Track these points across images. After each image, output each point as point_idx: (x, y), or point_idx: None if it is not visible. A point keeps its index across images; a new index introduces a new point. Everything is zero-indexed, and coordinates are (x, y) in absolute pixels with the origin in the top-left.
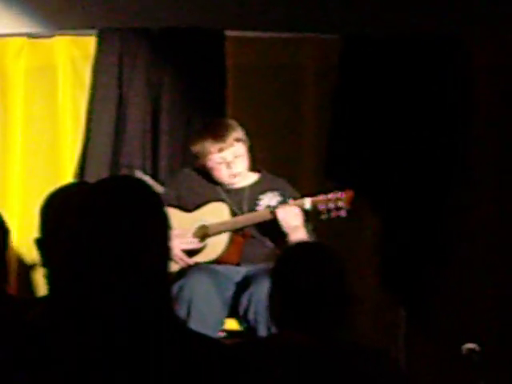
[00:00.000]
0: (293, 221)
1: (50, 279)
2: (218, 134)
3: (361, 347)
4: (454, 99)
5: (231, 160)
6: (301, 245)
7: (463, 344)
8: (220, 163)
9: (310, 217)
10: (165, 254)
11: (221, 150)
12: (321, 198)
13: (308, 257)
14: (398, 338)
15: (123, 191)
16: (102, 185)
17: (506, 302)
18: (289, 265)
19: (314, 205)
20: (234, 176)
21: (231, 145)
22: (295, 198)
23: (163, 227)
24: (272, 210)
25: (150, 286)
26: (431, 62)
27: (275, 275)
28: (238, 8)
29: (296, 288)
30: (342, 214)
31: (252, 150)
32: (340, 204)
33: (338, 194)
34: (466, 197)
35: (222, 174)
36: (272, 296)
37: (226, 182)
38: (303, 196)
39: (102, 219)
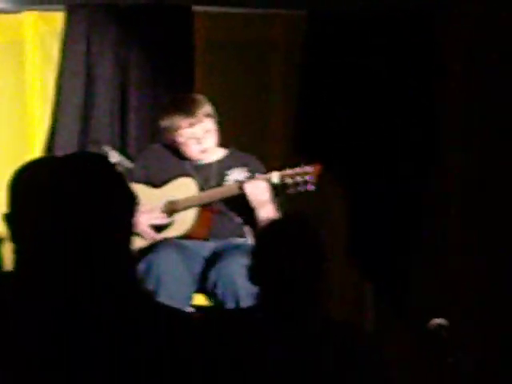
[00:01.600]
0: (261, 195)
1: (17, 254)
2: (188, 109)
3: (332, 321)
4: (422, 72)
5: (201, 135)
6: (283, 220)
7: (431, 319)
8: (190, 138)
9: (278, 191)
10: (127, 229)
11: (191, 125)
12: (288, 171)
13: (291, 231)
14: (367, 314)
15: (89, 168)
16: (69, 161)
17: (475, 277)
18: (272, 238)
19: (282, 178)
20: (204, 151)
21: (201, 120)
22: (263, 173)
23: (126, 203)
24: (239, 184)
25: (114, 261)
26: (399, 36)
27: (257, 249)
28: None
29: (278, 263)
30: (310, 187)
31: (220, 126)
32: (308, 178)
33: (306, 168)
34: (437, 168)
35: (192, 149)
36: (252, 271)
37: (196, 158)
38: (271, 170)
39: (67, 195)
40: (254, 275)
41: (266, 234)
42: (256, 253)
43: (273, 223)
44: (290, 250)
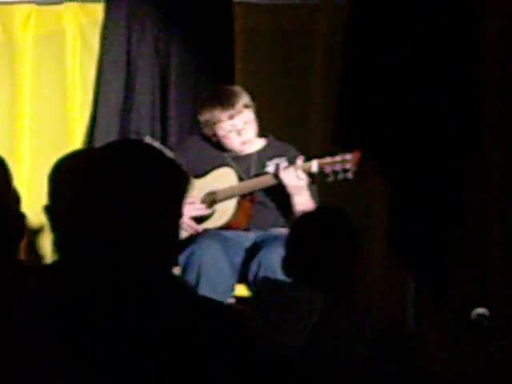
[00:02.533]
0: (296, 181)
1: (59, 245)
2: (226, 101)
3: (370, 315)
4: (463, 59)
5: (241, 127)
6: (317, 212)
7: (473, 309)
8: (230, 131)
9: (315, 179)
10: (176, 219)
11: (231, 118)
12: (327, 160)
13: (325, 223)
14: (408, 303)
15: (131, 155)
16: (109, 149)
17: None
18: (305, 231)
19: (321, 167)
20: (244, 143)
21: (240, 111)
22: (302, 162)
23: (175, 191)
24: (275, 172)
25: (160, 252)
26: (440, 16)
27: (291, 240)
28: None
29: (311, 257)
30: (349, 175)
31: (259, 116)
32: (347, 166)
33: (345, 156)
34: (479, 163)
35: (233, 141)
36: (286, 262)
37: (237, 149)
38: (310, 158)
39: (108, 183)
40: (287, 266)
41: (300, 225)
42: (289, 244)
43: (306, 214)
44: (323, 242)
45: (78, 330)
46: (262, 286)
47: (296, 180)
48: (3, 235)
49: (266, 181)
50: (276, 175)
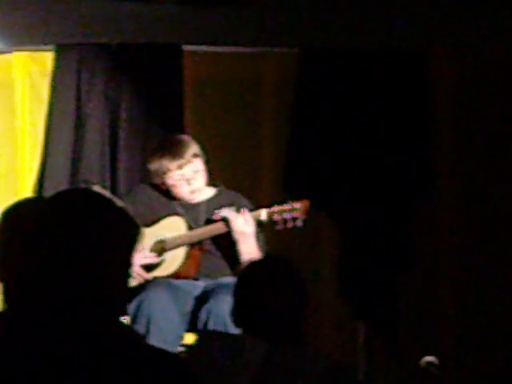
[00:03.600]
0: (245, 227)
1: (6, 296)
2: (175, 150)
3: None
4: (415, 110)
5: (191, 176)
6: (263, 260)
7: (422, 357)
8: (180, 180)
9: (264, 228)
10: (125, 268)
11: (180, 167)
12: (276, 208)
13: (271, 272)
14: (358, 351)
15: (80, 204)
16: (58, 198)
17: (465, 316)
18: (252, 280)
19: (270, 215)
20: (194, 192)
21: (189, 161)
22: (251, 210)
23: (125, 241)
24: (225, 220)
25: (109, 301)
26: (391, 74)
27: (238, 291)
28: (195, 23)
29: (259, 306)
30: (298, 224)
31: (209, 165)
32: (296, 214)
33: (294, 204)
34: (428, 207)
35: (183, 190)
36: (235, 312)
37: (186, 198)
38: (259, 207)
39: (57, 234)
40: (236, 316)
41: (246, 275)
42: (237, 294)
43: (253, 264)
44: (270, 292)
45: (24, 380)
46: (203, 337)
47: (243, 225)
48: None
49: (215, 228)
50: (225, 219)
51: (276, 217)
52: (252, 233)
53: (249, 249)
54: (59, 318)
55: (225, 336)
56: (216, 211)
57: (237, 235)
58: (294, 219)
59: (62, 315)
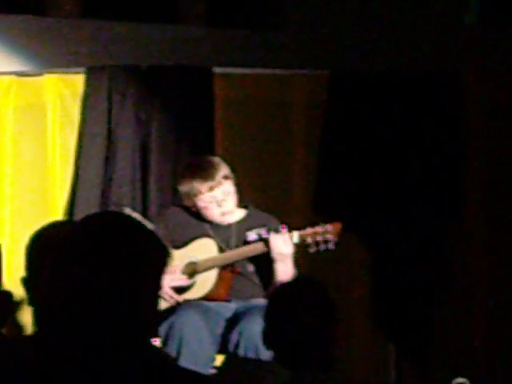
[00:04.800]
0: (284, 248)
1: (37, 318)
2: (206, 172)
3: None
4: (447, 133)
5: (221, 198)
6: (295, 283)
7: (453, 379)
8: (210, 202)
9: (296, 250)
10: (155, 292)
11: (211, 189)
12: (309, 231)
13: (302, 295)
14: (389, 373)
15: (110, 228)
16: (88, 222)
17: (495, 337)
18: (283, 303)
19: (303, 238)
20: (224, 214)
21: (220, 183)
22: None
23: (154, 264)
24: (264, 238)
25: (139, 325)
26: (423, 97)
27: (270, 313)
28: (224, 45)
29: (289, 328)
30: (330, 246)
31: (239, 186)
32: (328, 236)
33: (326, 227)
34: (459, 233)
35: (214, 212)
36: (266, 335)
37: (217, 220)
38: (291, 229)
39: (87, 257)
40: (267, 339)
41: (278, 298)
42: (268, 317)
43: (284, 286)
44: (301, 314)
45: None
46: (230, 362)
47: (283, 246)
48: None
49: (253, 249)
50: (264, 240)
51: (308, 239)
52: (290, 253)
53: (286, 269)
54: (89, 342)
55: (251, 361)
56: (247, 233)
57: (275, 255)
58: (326, 242)
59: (92, 339)
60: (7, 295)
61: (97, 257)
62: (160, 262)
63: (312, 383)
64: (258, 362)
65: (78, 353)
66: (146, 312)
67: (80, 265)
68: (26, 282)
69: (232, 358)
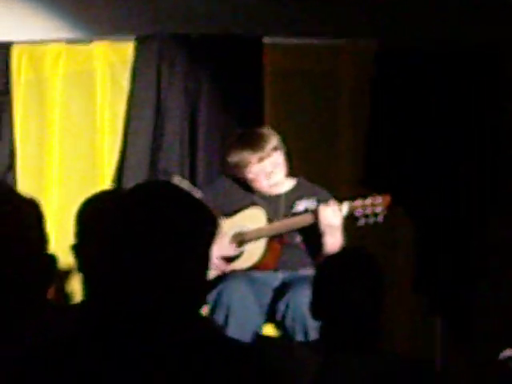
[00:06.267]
0: (333, 219)
1: (87, 285)
2: (256, 144)
3: (399, 358)
4: (487, 108)
5: (271, 170)
6: (343, 253)
7: (501, 351)
8: (259, 173)
9: (344, 222)
10: (204, 262)
11: (260, 160)
12: (358, 202)
13: (351, 266)
14: (435, 346)
15: (159, 198)
16: (138, 191)
17: None
18: (332, 273)
19: (352, 210)
20: (274, 185)
21: (270, 154)
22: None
23: (203, 234)
24: (313, 210)
25: (187, 295)
26: (468, 72)
27: (318, 283)
28: (276, 15)
29: (337, 298)
30: (380, 219)
31: (289, 156)
32: (377, 209)
33: (376, 199)
34: (505, 205)
35: (262, 183)
36: (313, 305)
37: (266, 192)
38: (340, 201)
39: (136, 227)
40: (314, 309)
41: (326, 268)
42: (315, 287)
43: (332, 257)
44: (349, 285)
45: (105, 372)
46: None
47: (332, 218)
48: (34, 280)
49: (302, 220)
50: (313, 211)
51: (358, 211)
52: (339, 225)
53: (334, 241)
54: (139, 312)
55: (282, 343)
56: (296, 202)
57: (324, 227)
58: (376, 214)
59: (141, 309)
60: (51, 258)
61: (147, 227)
62: (209, 231)
63: (344, 367)
64: (289, 343)
65: (128, 323)
66: (195, 281)
67: (130, 235)
68: (76, 250)
69: (264, 338)
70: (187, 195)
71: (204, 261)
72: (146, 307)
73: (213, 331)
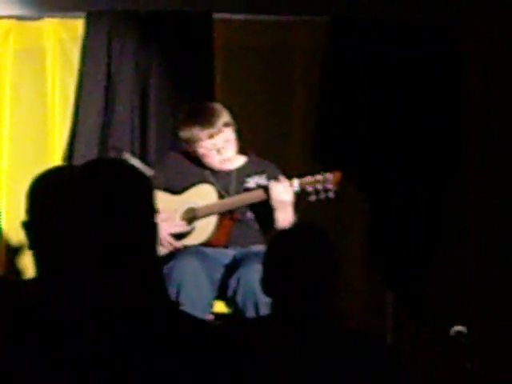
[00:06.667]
0: (284, 195)
1: (38, 262)
2: (207, 119)
3: (350, 332)
4: (446, 83)
5: (221, 146)
6: (294, 229)
7: (452, 326)
8: (210, 149)
9: (295, 199)
10: (153, 236)
11: (211, 137)
12: (309, 179)
13: (302, 241)
14: (386, 320)
15: (111, 174)
16: (90, 167)
17: (494, 286)
18: (283, 249)
19: (303, 186)
20: (224, 161)
21: (220, 130)
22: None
23: (152, 211)
24: (264, 186)
25: (140, 269)
26: (421, 46)
27: (269, 259)
28: None
29: (288, 274)
30: (330, 195)
31: (239, 133)
32: (328, 185)
33: (326, 176)
34: (458, 180)
35: (213, 160)
36: (264, 281)
37: (217, 168)
38: (291, 178)
39: (86, 203)
40: (265, 285)
41: (277, 243)
42: (267, 262)
43: (283, 232)
44: (300, 260)
45: (62, 347)
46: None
47: (284, 194)
48: None
49: (253, 196)
50: (264, 187)
51: (308, 187)
52: (290, 201)
53: (285, 216)
54: (98, 284)
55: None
56: (247, 179)
57: (275, 203)
58: (327, 190)
59: (95, 281)
60: None
61: (96, 203)
62: (152, 209)
63: (295, 343)
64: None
65: (88, 297)
66: (146, 251)
67: (80, 211)
68: (27, 226)
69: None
70: (135, 173)
71: (153, 230)
72: (99, 285)
73: (169, 305)
